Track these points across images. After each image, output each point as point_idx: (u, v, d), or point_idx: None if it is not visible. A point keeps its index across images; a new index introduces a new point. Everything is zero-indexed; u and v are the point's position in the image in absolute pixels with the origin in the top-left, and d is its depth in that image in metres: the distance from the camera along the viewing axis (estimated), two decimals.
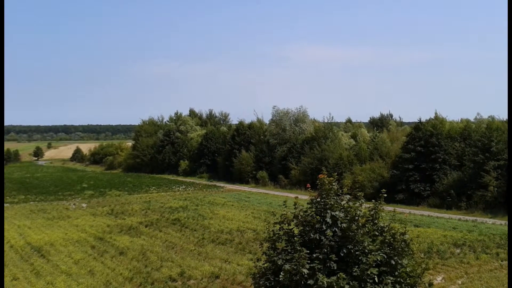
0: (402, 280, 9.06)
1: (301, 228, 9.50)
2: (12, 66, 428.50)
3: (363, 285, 8.57)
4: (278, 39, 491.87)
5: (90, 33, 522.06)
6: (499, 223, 29.73)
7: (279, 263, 9.02)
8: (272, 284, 9.21)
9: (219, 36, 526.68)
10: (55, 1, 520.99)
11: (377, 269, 8.67)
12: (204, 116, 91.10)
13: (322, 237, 8.97)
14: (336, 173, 10.62)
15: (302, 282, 8.57)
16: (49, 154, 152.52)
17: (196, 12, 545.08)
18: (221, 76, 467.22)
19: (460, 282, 17.68)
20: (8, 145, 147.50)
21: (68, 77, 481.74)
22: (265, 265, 9.58)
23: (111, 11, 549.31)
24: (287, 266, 8.69)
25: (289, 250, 9.17)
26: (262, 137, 63.11)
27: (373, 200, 9.97)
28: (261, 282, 9.46)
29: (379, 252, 8.95)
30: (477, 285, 17.18)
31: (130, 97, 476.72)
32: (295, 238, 9.20)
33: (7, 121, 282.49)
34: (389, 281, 8.79)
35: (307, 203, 9.71)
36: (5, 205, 40.94)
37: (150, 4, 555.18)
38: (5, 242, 25.26)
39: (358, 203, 9.60)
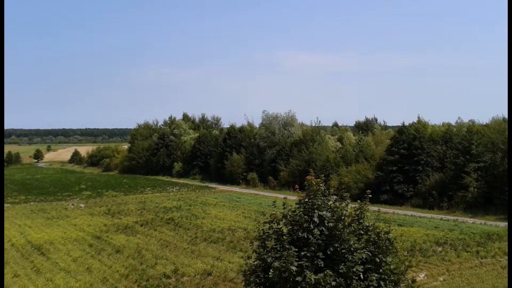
0: (386, 277, 9.25)
1: (290, 227, 9.73)
2: (12, 72, 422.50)
3: (349, 282, 8.78)
4: (268, 46, 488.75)
5: (88, 39, 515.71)
6: (479, 223, 30.64)
7: (269, 260, 9.26)
8: (262, 281, 9.44)
9: (212, 43, 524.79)
10: (55, 6, 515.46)
11: (362, 267, 8.89)
12: (197, 120, 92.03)
13: (310, 236, 9.23)
14: (323, 175, 10.81)
15: (291, 279, 8.78)
16: (48, 156, 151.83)
17: (191, 20, 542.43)
18: (213, 81, 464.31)
19: (441, 279, 18.34)
20: (9, 148, 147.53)
21: (67, 81, 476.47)
22: (255, 262, 9.81)
23: (108, 17, 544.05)
24: (276, 264, 8.93)
25: (278, 248, 9.39)
26: (252, 140, 63.93)
27: (358, 201, 10.22)
28: (251, 279, 9.66)
29: (364, 250, 9.17)
30: (458, 282, 17.83)
31: (126, 102, 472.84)
32: (284, 237, 9.44)
33: (9, 125, 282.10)
34: (373, 278, 8.94)
35: (296, 203, 9.97)
36: (6, 205, 41.46)
37: (146, 11, 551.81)
38: (6, 240, 25.77)
39: (344, 203, 9.87)
